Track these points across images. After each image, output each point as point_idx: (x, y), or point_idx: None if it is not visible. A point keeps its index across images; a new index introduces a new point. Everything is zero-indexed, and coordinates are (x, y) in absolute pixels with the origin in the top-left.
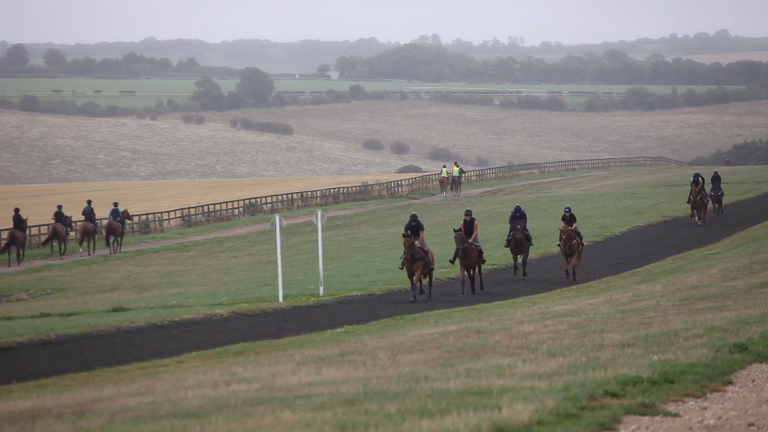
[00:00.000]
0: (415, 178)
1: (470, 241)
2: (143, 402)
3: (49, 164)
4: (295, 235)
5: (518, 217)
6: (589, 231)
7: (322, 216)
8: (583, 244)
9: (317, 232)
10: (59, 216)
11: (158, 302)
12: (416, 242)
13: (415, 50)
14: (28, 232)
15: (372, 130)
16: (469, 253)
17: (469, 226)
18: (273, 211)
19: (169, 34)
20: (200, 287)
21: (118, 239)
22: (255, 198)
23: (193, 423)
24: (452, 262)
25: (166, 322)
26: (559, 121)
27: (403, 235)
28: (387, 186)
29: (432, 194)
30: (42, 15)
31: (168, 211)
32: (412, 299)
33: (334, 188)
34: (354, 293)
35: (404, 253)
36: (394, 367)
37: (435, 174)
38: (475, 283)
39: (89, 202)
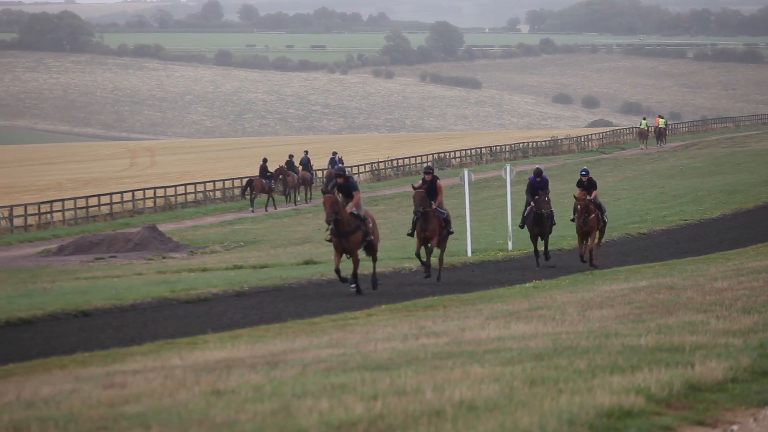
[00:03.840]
0: (605, 132)
1: (434, 206)
2: (334, 354)
3: (242, 118)
4: (484, 190)
5: (539, 184)
6: None
7: (511, 170)
8: (604, 220)
9: (506, 186)
10: (290, 165)
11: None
12: (348, 206)
13: (607, 2)
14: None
15: (562, 84)
16: (429, 220)
17: (430, 187)
18: (462, 165)
19: None
20: (390, 241)
21: None
22: (444, 152)
23: (382, 375)
24: (411, 234)
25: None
26: (755, 74)
27: (323, 192)
28: (577, 140)
29: (623, 149)
30: None
31: (358, 165)
32: (354, 286)
33: (523, 143)
34: (542, 248)
35: (325, 217)
36: (583, 323)
37: (626, 128)
38: (435, 264)
39: (306, 152)
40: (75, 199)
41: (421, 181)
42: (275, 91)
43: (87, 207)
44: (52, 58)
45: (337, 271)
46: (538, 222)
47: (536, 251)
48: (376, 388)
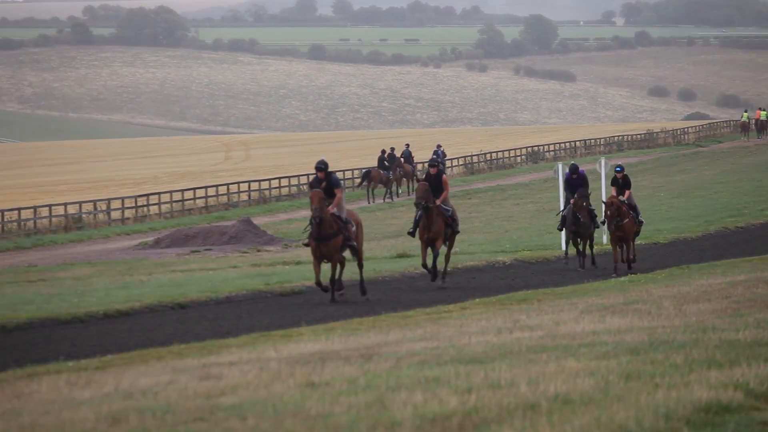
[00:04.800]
0: (702, 125)
1: (437, 203)
2: (428, 347)
3: (336, 112)
4: None
5: (576, 181)
6: None
7: (606, 164)
8: (641, 222)
9: (601, 179)
10: (391, 159)
11: (441, 249)
12: (329, 206)
13: None
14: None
15: (657, 76)
16: (432, 219)
17: (435, 181)
18: (555, 158)
19: None
20: (483, 234)
21: None
22: (537, 146)
23: (477, 369)
24: (412, 234)
25: (448, 269)
26: None
27: (310, 185)
28: (673, 133)
29: (719, 142)
30: None
31: (451, 159)
32: (335, 294)
33: (618, 136)
34: (638, 242)
35: (311, 212)
36: (680, 317)
37: (723, 121)
38: (441, 265)
39: (407, 145)
40: (171, 192)
41: (425, 175)
42: (369, 85)
43: (183, 200)
44: (149, 52)
45: (318, 283)
46: (576, 222)
47: (578, 251)
48: (471, 382)
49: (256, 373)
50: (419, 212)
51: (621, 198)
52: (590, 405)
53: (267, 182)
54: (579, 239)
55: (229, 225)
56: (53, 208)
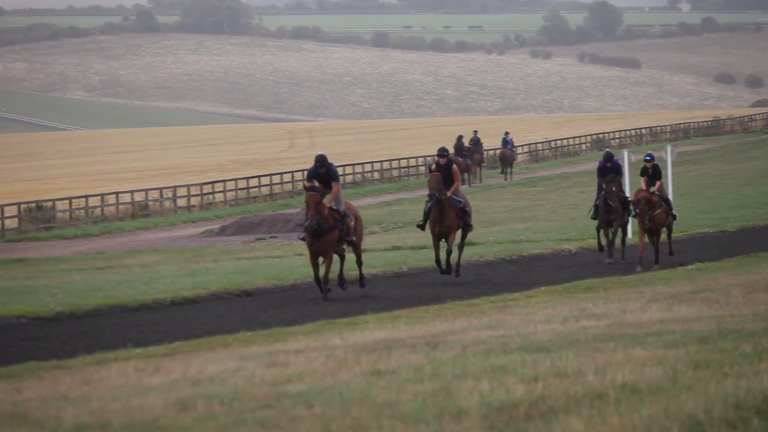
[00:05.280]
0: None
1: (448, 194)
2: (494, 335)
3: (400, 99)
4: None
5: (609, 170)
6: None
7: (672, 151)
8: (674, 216)
9: (667, 167)
10: (459, 146)
11: (506, 237)
12: (326, 200)
13: None
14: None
15: (724, 63)
16: (444, 213)
17: (445, 171)
18: (621, 146)
19: None
20: (548, 222)
21: (510, 168)
22: (602, 133)
23: (543, 357)
24: (422, 227)
25: (514, 257)
26: None
27: (305, 188)
28: (740, 120)
29: None
30: None
31: (516, 146)
32: (324, 298)
33: (684, 123)
34: (705, 230)
35: (306, 216)
36: (748, 306)
37: None
38: (455, 260)
39: (475, 132)
40: (236, 180)
41: (434, 165)
42: (432, 72)
43: (248, 188)
44: (213, 40)
45: (317, 280)
46: (608, 210)
47: (599, 243)
48: (537, 370)
49: (322, 361)
50: (428, 204)
51: (652, 189)
52: (658, 394)
53: None
54: (610, 228)
55: (293, 212)
56: (120, 195)
